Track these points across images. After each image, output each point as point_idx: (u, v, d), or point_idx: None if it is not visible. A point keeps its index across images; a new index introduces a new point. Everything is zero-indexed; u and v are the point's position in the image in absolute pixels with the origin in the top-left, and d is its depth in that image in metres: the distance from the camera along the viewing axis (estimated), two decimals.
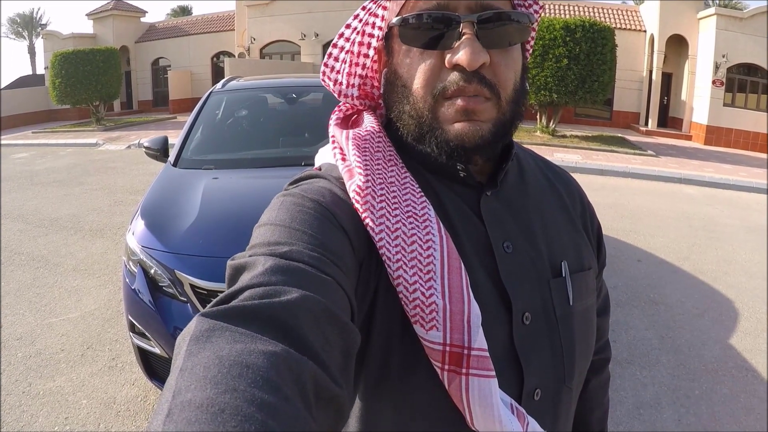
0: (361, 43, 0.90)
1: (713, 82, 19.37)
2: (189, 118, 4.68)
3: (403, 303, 0.76)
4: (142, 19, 31.32)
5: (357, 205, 0.78)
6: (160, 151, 4.44)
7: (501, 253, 0.86)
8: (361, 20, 0.91)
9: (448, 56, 0.78)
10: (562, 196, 1.02)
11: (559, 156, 13.22)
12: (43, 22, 47.29)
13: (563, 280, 0.90)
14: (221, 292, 2.30)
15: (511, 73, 0.81)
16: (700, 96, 20.37)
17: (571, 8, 22.77)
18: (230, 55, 25.77)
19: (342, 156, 0.86)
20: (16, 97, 29.52)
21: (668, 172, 12.14)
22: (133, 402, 3.64)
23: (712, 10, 19.73)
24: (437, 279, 0.75)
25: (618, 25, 21.65)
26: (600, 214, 4.84)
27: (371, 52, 0.89)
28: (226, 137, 4.73)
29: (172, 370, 0.49)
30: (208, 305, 0.58)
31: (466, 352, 0.74)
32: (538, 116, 17.39)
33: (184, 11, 47.48)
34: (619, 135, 18.86)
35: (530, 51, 0.95)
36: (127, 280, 3.11)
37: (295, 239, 0.72)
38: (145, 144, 4.56)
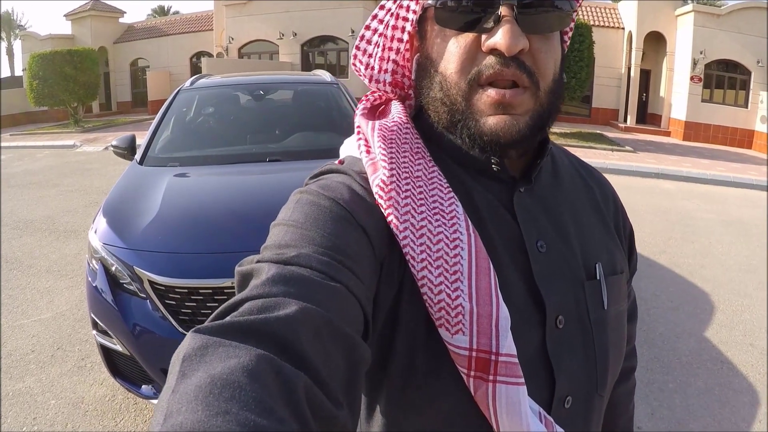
0: (395, 27, 0.85)
1: (691, 79, 19.54)
2: (156, 117, 4.64)
3: (427, 305, 0.72)
4: (121, 20, 31.02)
5: (380, 201, 0.75)
6: (128, 150, 4.40)
7: (534, 253, 0.81)
8: (395, 1, 0.86)
9: (485, 39, 0.73)
10: (596, 196, 0.97)
11: None
12: (22, 23, 46.70)
13: (598, 283, 0.86)
14: (179, 288, 2.29)
15: (550, 62, 0.77)
16: (678, 92, 20.54)
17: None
18: (209, 55, 25.61)
19: (367, 148, 0.81)
20: None
21: (645, 167, 12.25)
22: (101, 402, 3.61)
23: (689, 6, 19.85)
24: (464, 280, 0.72)
25: (596, 23, 21.78)
26: None
27: (405, 36, 0.85)
28: (193, 135, 4.71)
29: (164, 389, 0.47)
30: (208, 319, 0.57)
31: (493, 357, 0.71)
32: None
33: (163, 11, 47.09)
34: (598, 131, 19.01)
35: (567, 43, 0.89)
36: (89, 278, 3.08)
37: (306, 242, 0.69)
38: (113, 143, 4.52)
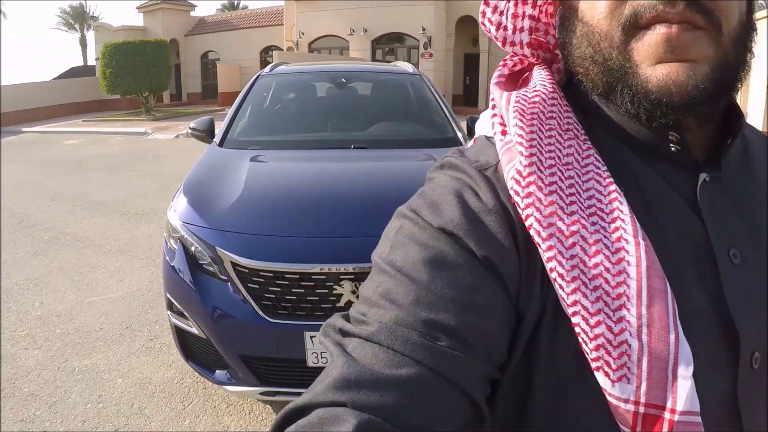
0: None
1: None
2: (236, 101, 4.57)
3: (580, 340, 0.54)
4: (192, 13, 31.81)
5: (516, 199, 0.58)
6: (206, 132, 4.33)
7: (726, 265, 0.60)
8: None
9: None
10: None
11: None
12: (95, 14, 48.39)
13: None
14: (264, 271, 2.10)
15: None
16: (754, 100, 19.55)
17: None
18: (279, 49, 25.90)
19: (502, 128, 0.64)
20: (66, 86, 30.42)
21: None
22: (169, 384, 3.54)
23: (764, 12, 18.90)
24: (631, 307, 0.53)
25: None
26: None
27: None
28: (274, 120, 4.62)
29: None
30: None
31: (668, 415, 0.52)
32: None
33: (233, 6, 48.00)
34: None
35: None
36: (167, 257, 2.99)
37: (400, 304, 0.55)
38: (191, 125, 4.46)
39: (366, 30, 22.50)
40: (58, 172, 11.55)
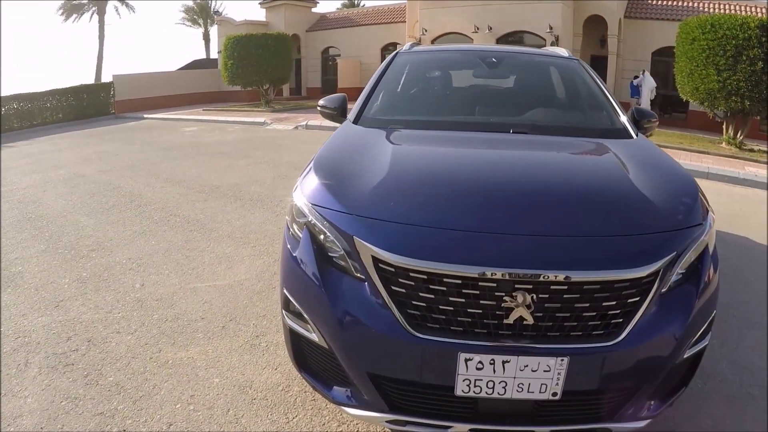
0: None
1: None
2: (372, 78, 4.00)
3: None
4: (313, 10, 32.21)
5: None
6: (338, 110, 3.76)
7: None
8: None
9: None
10: None
11: (751, 170, 11.45)
12: (218, 9, 50.11)
13: None
14: (415, 271, 1.99)
15: None
16: None
17: (760, 9, 20.13)
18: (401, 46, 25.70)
19: None
20: (189, 77, 31.85)
21: None
22: (273, 390, 3.03)
23: None
24: None
25: None
26: None
27: None
28: (415, 99, 4.03)
29: None
30: None
31: None
32: (724, 126, 15.39)
33: (353, 4, 48.33)
34: None
35: None
36: (289, 246, 2.43)
37: None
38: (320, 102, 3.89)
39: (491, 28, 21.64)
40: (174, 156, 11.63)
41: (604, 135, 3.29)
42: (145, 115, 24.26)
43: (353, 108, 3.66)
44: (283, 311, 2.43)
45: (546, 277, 1.91)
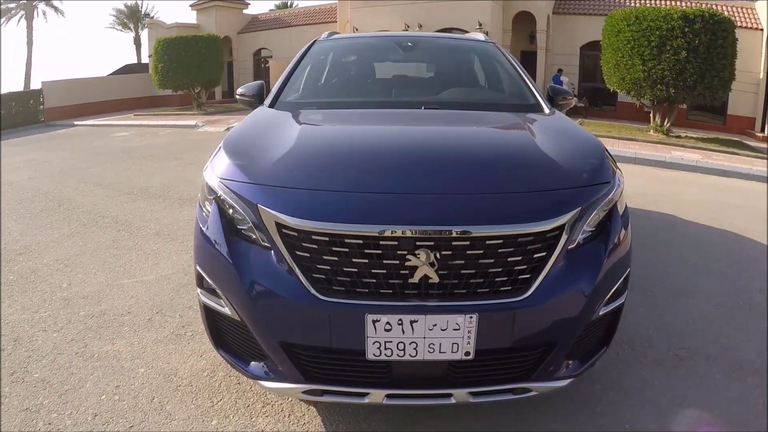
0: None
1: None
2: (289, 65, 4.03)
3: None
4: (245, 11, 31.94)
5: None
6: (255, 98, 3.76)
7: None
8: None
9: None
10: None
11: (677, 154, 11.93)
12: (149, 13, 49.11)
13: None
14: (317, 234, 1.72)
15: None
16: None
17: (687, 2, 21.04)
18: None
19: None
20: (120, 82, 31.10)
21: None
22: (198, 377, 3.01)
23: None
24: None
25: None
26: (730, 215, 4.86)
27: None
28: (331, 84, 4.07)
29: None
30: None
31: None
32: (651, 115, 16.01)
33: (285, 7, 47.99)
34: (736, 139, 17.07)
35: None
36: (200, 224, 2.43)
37: None
38: (239, 91, 3.88)
39: (421, 25, 21.82)
40: (104, 161, 11.38)
41: (517, 110, 3.39)
42: (76, 122, 23.52)
43: (269, 94, 3.68)
44: (198, 289, 2.41)
45: (446, 233, 1.95)
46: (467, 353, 2.04)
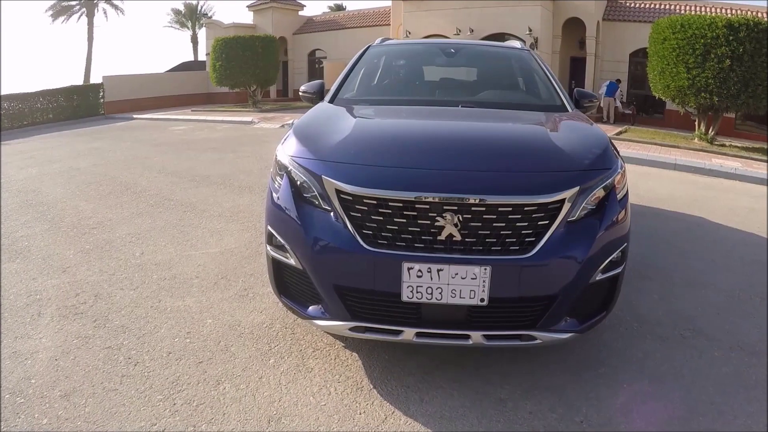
0: None
1: None
2: (346, 67, 4.65)
3: None
4: (300, 13, 32.74)
5: None
6: (316, 94, 4.41)
7: None
8: None
9: None
10: None
11: (717, 162, 12.07)
12: (206, 12, 50.51)
13: None
14: (367, 197, 2.09)
15: None
16: None
17: (734, 11, 20.82)
18: None
19: None
20: (177, 78, 32.27)
21: None
22: (258, 327, 3.55)
23: None
24: None
25: None
26: (760, 220, 5.47)
27: None
28: (383, 85, 4.65)
29: None
30: None
31: None
32: (696, 123, 16.09)
33: (340, 9, 48.85)
34: None
35: None
36: (273, 193, 3.01)
37: None
38: (302, 88, 4.55)
39: (472, 30, 22.28)
40: (165, 151, 12.06)
41: (543, 110, 3.89)
42: (135, 116, 24.65)
43: (328, 92, 4.28)
44: (267, 246, 2.97)
45: (467, 200, 2.48)
46: (482, 300, 2.53)
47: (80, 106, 27.41)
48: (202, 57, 41.79)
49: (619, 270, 2.88)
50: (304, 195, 2.78)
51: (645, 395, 2.96)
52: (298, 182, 2.82)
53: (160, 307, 3.86)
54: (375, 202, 2.55)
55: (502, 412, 2.75)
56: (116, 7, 47.66)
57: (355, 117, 3.46)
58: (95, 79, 36.70)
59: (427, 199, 2.50)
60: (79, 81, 38.73)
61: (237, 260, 4.81)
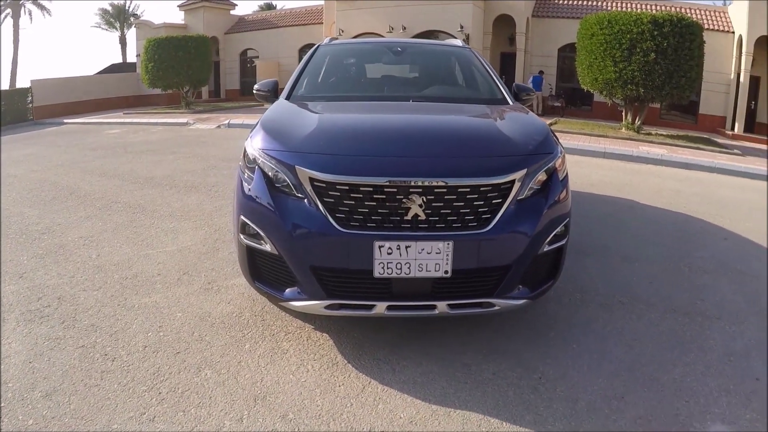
0: None
1: None
2: (298, 67, 4.84)
3: None
4: (232, 12, 32.43)
5: None
6: (270, 92, 4.57)
7: None
8: None
9: None
10: None
11: (644, 149, 12.78)
12: (136, 12, 49.36)
13: None
14: (339, 184, 2.45)
15: None
16: None
17: (659, 7, 21.97)
18: None
19: None
20: (108, 81, 31.40)
21: (756, 170, 11.37)
22: (229, 317, 3.69)
23: None
24: None
25: (706, 26, 20.44)
26: (685, 200, 5.64)
27: None
28: (335, 82, 4.88)
29: None
30: None
31: None
32: (623, 113, 16.94)
33: (270, 8, 48.47)
34: (705, 136, 18.02)
35: None
36: (244, 185, 3.17)
37: None
38: (256, 86, 4.69)
39: (405, 27, 22.62)
40: (103, 155, 11.79)
41: (486, 103, 4.27)
42: (66, 120, 23.87)
43: (283, 90, 4.48)
44: (240, 235, 3.14)
45: (430, 183, 2.75)
46: (446, 272, 2.81)
47: (7, 111, 26.32)
48: (131, 58, 40.88)
49: (563, 242, 3.22)
50: (276, 185, 2.97)
51: (592, 352, 3.32)
52: (270, 174, 3.01)
53: (127, 304, 3.93)
54: (347, 187, 2.78)
55: (468, 374, 3.04)
56: (43, 8, 46.16)
57: (317, 112, 3.71)
58: (22, 83, 35.36)
59: (395, 184, 2.74)
60: (5, 86, 37.26)
61: (196, 257, 4.91)
